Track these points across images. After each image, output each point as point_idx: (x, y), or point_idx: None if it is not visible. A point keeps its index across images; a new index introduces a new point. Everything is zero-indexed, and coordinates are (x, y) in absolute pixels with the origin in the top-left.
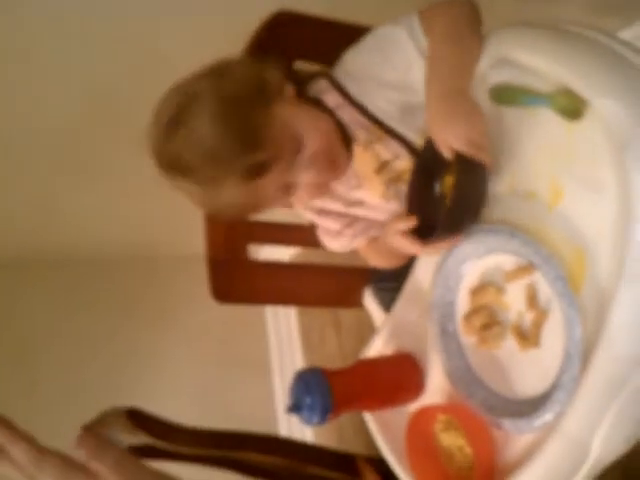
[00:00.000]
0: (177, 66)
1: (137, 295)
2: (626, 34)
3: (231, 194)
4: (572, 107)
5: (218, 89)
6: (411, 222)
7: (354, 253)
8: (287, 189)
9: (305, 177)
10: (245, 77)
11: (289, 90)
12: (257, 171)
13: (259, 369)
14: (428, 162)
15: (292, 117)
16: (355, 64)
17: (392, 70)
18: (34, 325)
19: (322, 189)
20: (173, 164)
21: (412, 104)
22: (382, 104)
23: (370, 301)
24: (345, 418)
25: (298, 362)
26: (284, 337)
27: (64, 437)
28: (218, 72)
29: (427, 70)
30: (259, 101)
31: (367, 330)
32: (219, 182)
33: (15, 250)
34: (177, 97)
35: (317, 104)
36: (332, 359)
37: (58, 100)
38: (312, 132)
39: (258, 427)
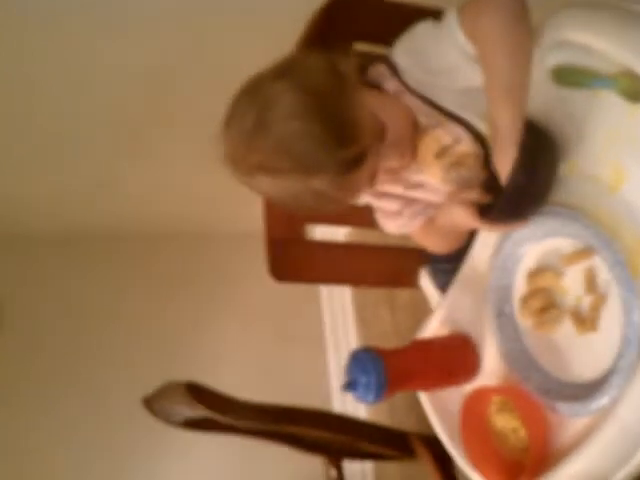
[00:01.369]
0: (236, 53)
1: (196, 271)
2: None
3: (325, 189)
4: (635, 89)
5: (298, 85)
6: (481, 196)
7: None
8: (373, 177)
9: (390, 163)
10: (321, 69)
11: (357, 77)
12: (354, 164)
13: (314, 345)
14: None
15: (374, 105)
16: (404, 57)
17: (438, 65)
18: (97, 297)
19: (398, 174)
20: (260, 168)
21: (468, 87)
22: (439, 91)
23: (426, 282)
24: (397, 396)
25: (352, 339)
26: (338, 314)
27: (126, 408)
28: (291, 69)
29: (484, 85)
30: (342, 91)
31: (421, 308)
32: (313, 179)
33: (76, 226)
34: (255, 101)
35: (378, 90)
36: (386, 337)
37: (119, 83)
38: (393, 119)
39: (312, 402)
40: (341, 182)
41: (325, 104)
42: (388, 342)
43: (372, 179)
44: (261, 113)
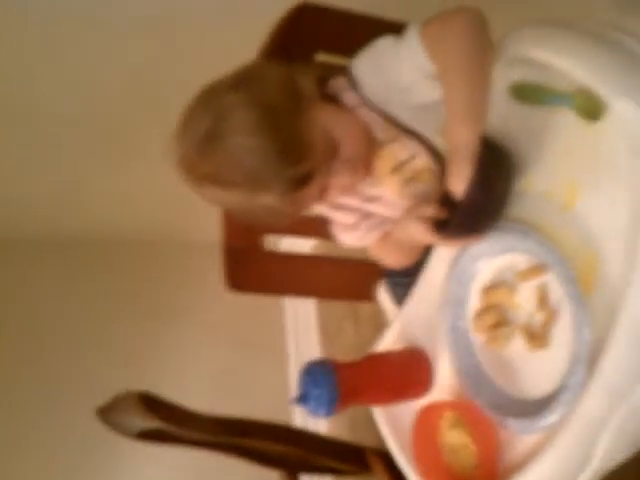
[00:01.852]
0: (203, 57)
1: (154, 279)
2: None
3: (273, 205)
4: (591, 108)
5: (253, 100)
6: (437, 212)
7: None
8: (323, 193)
9: (341, 180)
10: (278, 84)
11: (316, 91)
12: (302, 182)
13: (276, 357)
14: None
15: (327, 122)
16: (364, 71)
17: (397, 82)
18: (54, 304)
19: (352, 189)
20: (210, 179)
21: (425, 103)
22: (396, 106)
23: (383, 295)
24: (358, 410)
25: (315, 351)
26: (301, 326)
27: (79, 418)
28: (249, 81)
29: (444, 104)
30: (296, 109)
31: (385, 322)
32: (261, 195)
33: (34, 231)
34: (210, 109)
35: (336, 103)
36: (349, 350)
37: (88, 87)
38: (347, 136)
39: (273, 415)
40: (289, 198)
41: (277, 121)
42: (350, 355)
43: (323, 194)
44: (214, 124)
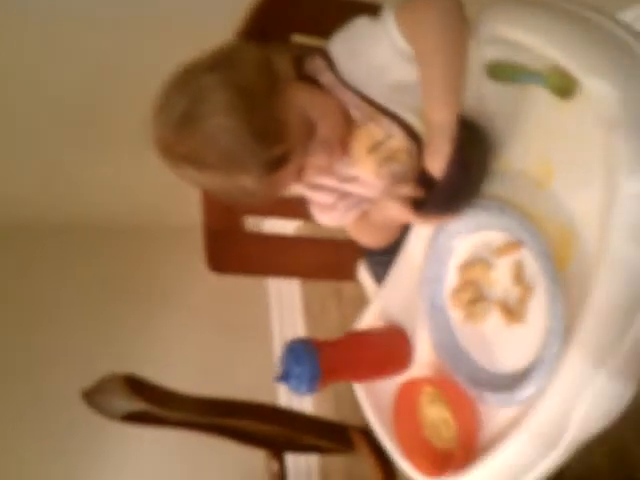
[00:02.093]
0: (179, 42)
1: (139, 263)
2: (628, 15)
3: (250, 186)
4: (564, 86)
5: (230, 81)
6: (413, 191)
7: None
8: (300, 173)
9: (318, 160)
10: (255, 66)
11: (292, 72)
12: (278, 163)
13: (260, 338)
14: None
15: (304, 103)
16: (339, 52)
17: (372, 63)
18: (38, 289)
19: (330, 169)
20: (187, 160)
21: (401, 83)
22: (372, 86)
23: (364, 274)
24: (342, 388)
25: (299, 331)
26: (286, 306)
27: (64, 401)
28: (226, 62)
29: (421, 86)
30: (272, 90)
31: (368, 301)
32: (238, 176)
33: (17, 217)
34: (186, 90)
35: (313, 83)
36: (333, 329)
37: (66, 78)
38: (324, 116)
39: (258, 395)
40: (266, 180)
41: (253, 102)
42: (334, 334)
43: (299, 175)
44: (190, 105)
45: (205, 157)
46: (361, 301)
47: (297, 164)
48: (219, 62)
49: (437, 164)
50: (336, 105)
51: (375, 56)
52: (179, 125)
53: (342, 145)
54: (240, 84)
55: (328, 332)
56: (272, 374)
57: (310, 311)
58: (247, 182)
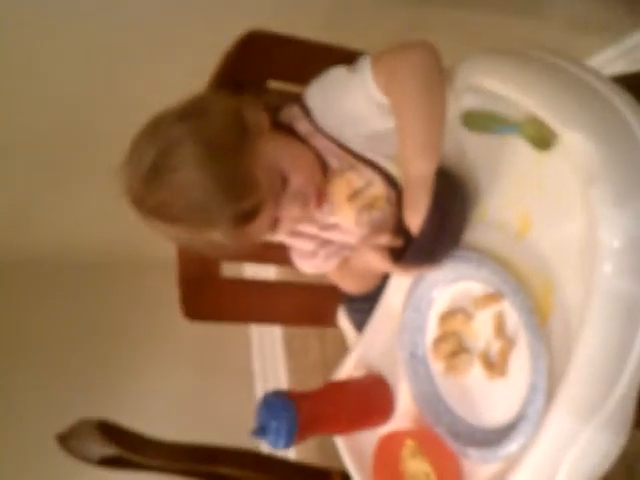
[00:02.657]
0: (154, 79)
1: (113, 301)
2: (606, 54)
3: (218, 239)
4: (541, 137)
5: (199, 133)
6: (392, 240)
7: None
8: (273, 225)
9: (291, 211)
10: (224, 118)
11: (265, 122)
12: (248, 217)
13: (241, 377)
14: None
15: (275, 155)
16: (315, 101)
17: (349, 113)
18: (7, 328)
19: (308, 217)
20: (155, 212)
21: (378, 132)
22: (348, 134)
23: (344, 321)
24: None
25: (281, 370)
26: (267, 345)
27: (38, 446)
28: (195, 113)
29: (398, 139)
30: (242, 143)
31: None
32: (206, 230)
33: None
34: (155, 142)
35: (290, 131)
36: (315, 368)
37: (40, 107)
38: (296, 168)
39: (240, 437)
40: (235, 233)
41: (220, 157)
42: (316, 373)
43: (274, 226)
44: (158, 157)
45: (173, 211)
46: (343, 341)
47: (269, 216)
48: (188, 112)
49: (415, 220)
50: (310, 155)
51: (351, 106)
52: (147, 178)
53: (318, 195)
54: (208, 137)
55: (310, 370)
56: (253, 413)
57: (292, 351)
58: (216, 235)
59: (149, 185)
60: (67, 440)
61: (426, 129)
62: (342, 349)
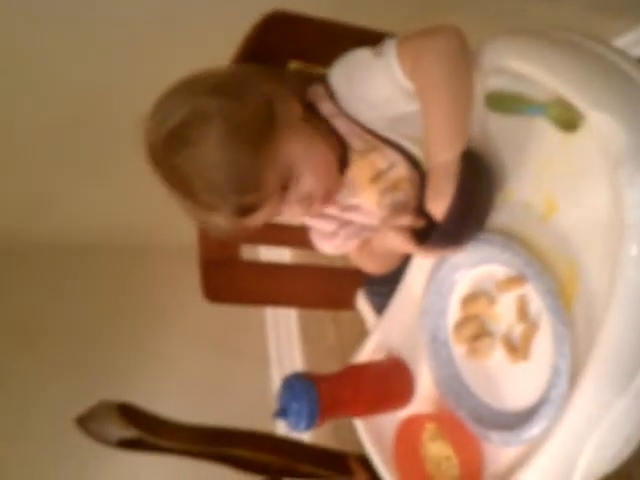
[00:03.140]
0: (175, 64)
1: (133, 284)
2: (628, 38)
3: (220, 222)
4: (567, 118)
5: (227, 115)
6: (415, 221)
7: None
8: (273, 217)
9: (292, 211)
10: (256, 105)
11: (297, 111)
12: (247, 210)
13: (257, 361)
14: None
15: (294, 152)
16: (339, 83)
17: (373, 96)
18: (29, 311)
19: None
20: (168, 174)
21: (401, 114)
22: (372, 116)
23: (363, 304)
24: None
25: (296, 355)
26: (282, 329)
27: (57, 427)
28: (230, 92)
29: (423, 125)
30: (266, 135)
31: (366, 324)
32: (210, 209)
33: (11, 238)
34: (183, 107)
35: (312, 111)
36: (330, 353)
37: (57, 97)
38: (310, 169)
39: (255, 420)
40: (236, 222)
41: (241, 147)
42: (332, 358)
43: (274, 216)
44: (181, 126)
45: (186, 179)
46: (359, 326)
47: (269, 212)
48: (223, 89)
49: (439, 207)
50: (328, 156)
51: (375, 89)
52: (166, 141)
53: (325, 198)
54: (235, 121)
55: (326, 355)
56: (269, 399)
57: (307, 334)
58: (217, 218)
59: (166, 148)
60: (86, 422)
61: (451, 116)
62: (358, 333)
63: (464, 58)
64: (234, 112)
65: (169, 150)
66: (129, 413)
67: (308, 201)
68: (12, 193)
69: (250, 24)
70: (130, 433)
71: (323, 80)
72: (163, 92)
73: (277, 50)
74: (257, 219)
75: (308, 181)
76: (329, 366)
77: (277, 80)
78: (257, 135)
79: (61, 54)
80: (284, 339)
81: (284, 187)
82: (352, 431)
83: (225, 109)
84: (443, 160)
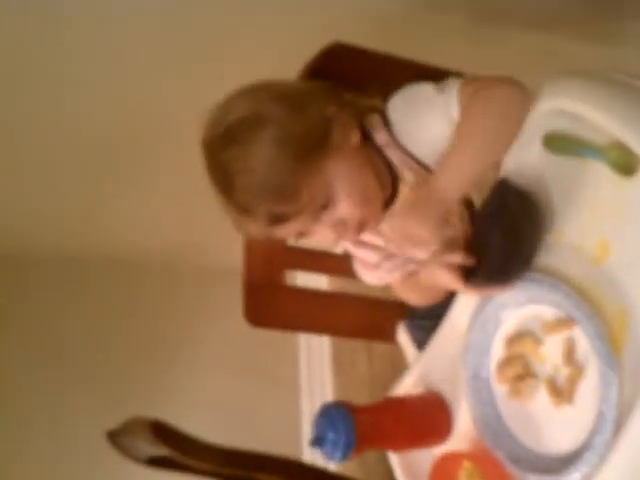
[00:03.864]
0: (225, 86)
1: (169, 302)
2: None
3: (250, 227)
4: (625, 162)
5: (285, 124)
6: (465, 259)
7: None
8: (302, 235)
9: (323, 233)
10: (315, 122)
11: (354, 138)
12: (277, 219)
13: (288, 388)
14: (495, 205)
15: (338, 176)
16: (396, 113)
17: (427, 130)
18: (64, 325)
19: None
20: (216, 167)
21: None
22: (425, 151)
23: (404, 337)
24: None
25: (327, 384)
26: (315, 357)
27: (89, 442)
28: (294, 104)
29: (445, 151)
30: (314, 151)
31: (398, 359)
32: (243, 211)
33: (50, 250)
34: (247, 105)
35: (368, 139)
36: (362, 384)
37: (103, 111)
38: (349, 197)
39: (282, 446)
40: (265, 229)
41: (288, 156)
42: (363, 389)
43: (301, 236)
44: (239, 123)
45: (231, 177)
46: (392, 358)
47: (300, 227)
48: (289, 99)
49: (400, 224)
50: (378, 190)
51: (432, 124)
52: (221, 135)
53: (359, 227)
54: (290, 132)
55: (357, 385)
56: (298, 426)
57: (339, 363)
58: (249, 223)
59: (219, 143)
60: (117, 437)
61: (472, 162)
62: (389, 366)
63: (517, 114)
64: (291, 122)
65: (221, 145)
66: (161, 431)
67: (342, 227)
68: (54, 209)
69: (297, 50)
70: (160, 451)
71: (380, 110)
72: (235, 90)
73: (336, 81)
74: (286, 231)
75: (344, 207)
76: (360, 396)
77: (342, 103)
78: (305, 150)
79: (106, 66)
80: (316, 367)
81: (321, 207)
82: (378, 463)
83: (282, 117)
84: (443, 189)
